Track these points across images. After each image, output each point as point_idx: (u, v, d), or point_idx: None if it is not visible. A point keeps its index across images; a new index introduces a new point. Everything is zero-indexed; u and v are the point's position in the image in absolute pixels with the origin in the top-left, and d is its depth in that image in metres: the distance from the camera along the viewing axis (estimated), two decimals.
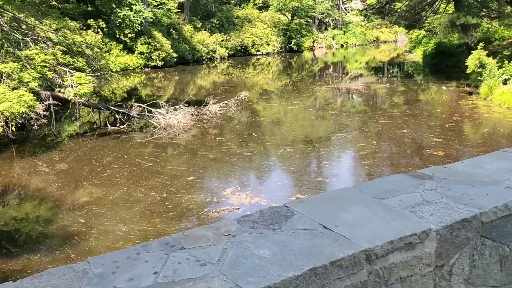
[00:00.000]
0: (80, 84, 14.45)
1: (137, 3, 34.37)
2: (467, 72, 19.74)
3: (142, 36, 35.20)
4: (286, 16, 46.76)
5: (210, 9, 45.77)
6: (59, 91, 13.96)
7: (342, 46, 49.74)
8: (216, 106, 18.54)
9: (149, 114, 17.01)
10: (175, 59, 36.70)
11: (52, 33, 15.41)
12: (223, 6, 46.60)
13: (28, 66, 13.23)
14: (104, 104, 17.78)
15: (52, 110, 14.84)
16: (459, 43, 27.09)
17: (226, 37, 42.83)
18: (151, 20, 36.38)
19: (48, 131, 15.19)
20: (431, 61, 29.70)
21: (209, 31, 42.20)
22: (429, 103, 20.15)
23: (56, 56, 14.57)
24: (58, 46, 14.89)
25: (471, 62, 19.46)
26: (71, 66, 16.58)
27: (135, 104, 17.50)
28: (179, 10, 42.68)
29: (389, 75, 31.29)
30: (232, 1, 49.07)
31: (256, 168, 12.01)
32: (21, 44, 13.67)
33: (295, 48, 45.61)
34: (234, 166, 12.16)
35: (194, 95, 22.48)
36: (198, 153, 13.53)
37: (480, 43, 19.70)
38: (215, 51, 41.85)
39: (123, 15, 34.18)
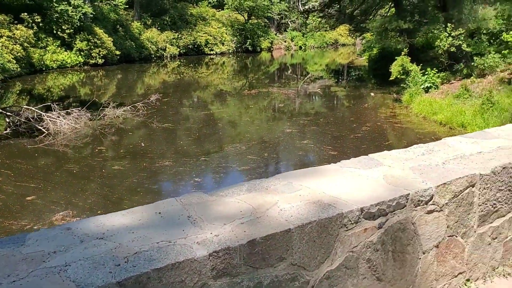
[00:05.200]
0: None
1: None
2: (390, 78, 18.82)
3: (81, 32, 33.62)
4: (243, 16, 45.55)
5: (164, 6, 44.27)
6: None
7: (300, 48, 48.74)
8: (120, 110, 17.28)
9: (39, 118, 15.62)
10: (118, 57, 35.23)
11: None
12: (178, 3, 45.16)
13: None
14: None
15: None
16: (401, 48, 26.26)
17: (178, 35, 41.45)
18: (92, 15, 34.76)
19: None
20: (374, 65, 28.90)
21: (159, 28, 40.76)
22: (348, 110, 19.19)
23: None
24: None
25: (395, 68, 18.56)
26: None
27: (24, 106, 16.05)
28: (128, 7, 41.07)
29: (328, 79, 30.42)
30: None
31: (113, 186, 10.75)
32: None
33: (250, 48, 44.42)
34: (91, 183, 10.88)
35: (138, 95, 21.35)
36: (64, 165, 12.20)
37: (405, 49, 18.79)
38: (165, 49, 40.47)
39: (60, 9, 32.50)
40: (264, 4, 43.59)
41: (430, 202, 2.37)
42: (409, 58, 18.55)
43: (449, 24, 17.74)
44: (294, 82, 30.11)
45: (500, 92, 14.94)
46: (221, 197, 2.17)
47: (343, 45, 50.78)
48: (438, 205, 2.41)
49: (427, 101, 16.55)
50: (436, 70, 17.95)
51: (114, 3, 39.36)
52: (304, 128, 15.84)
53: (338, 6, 29.05)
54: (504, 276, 2.79)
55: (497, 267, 2.82)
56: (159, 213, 1.99)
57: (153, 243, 1.72)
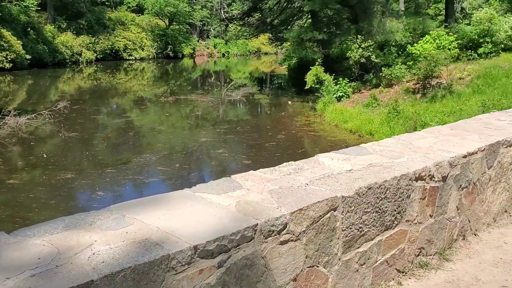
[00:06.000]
0: None
1: None
2: (305, 87, 19.12)
3: None
4: (164, 21, 44.62)
5: (80, 9, 42.20)
6: None
7: (223, 55, 48.67)
8: (24, 118, 16.05)
9: None
10: (29, 61, 33.07)
11: None
12: (95, 7, 43.33)
13: None
14: None
15: None
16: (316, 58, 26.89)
17: (95, 40, 39.72)
18: None
19: None
20: (294, 74, 29.37)
21: (74, 32, 38.79)
22: (265, 118, 19.26)
23: None
24: None
25: (309, 77, 18.87)
26: None
27: None
28: (40, 9, 38.64)
29: (251, 87, 30.54)
30: (107, 3, 45.87)
31: (5, 202, 9.79)
32: None
33: (171, 54, 43.61)
34: None
35: (52, 102, 19.88)
36: None
37: (318, 59, 19.19)
38: (80, 54, 38.59)
39: None
40: (185, 10, 43.04)
41: (284, 231, 2.13)
42: (323, 68, 18.95)
43: (359, 36, 18.36)
44: (217, 89, 29.86)
45: (405, 101, 15.63)
46: (27, 237, 1.77)
47: (266, 53, 51.45)
48: (294, 234, 2.18)
49: (339, 109, 16.95)
50: (348, 80, 18.49)
51: (24, 4, 36.86)
52: (220, 137, 15.58)
53: (260, 15, 29.27)
54: None
55: None
56: None
57: None
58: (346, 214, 2.45)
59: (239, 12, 28.15)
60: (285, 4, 25.73)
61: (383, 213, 2.68)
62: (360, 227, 2.55)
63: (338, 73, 20.24)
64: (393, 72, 17.13)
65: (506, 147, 3.69)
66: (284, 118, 19.06)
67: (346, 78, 18.46)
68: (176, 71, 40.09)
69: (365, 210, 2.57)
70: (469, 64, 17.26)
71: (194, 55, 46.71)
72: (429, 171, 2.96)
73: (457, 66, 16.94)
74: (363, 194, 2.53)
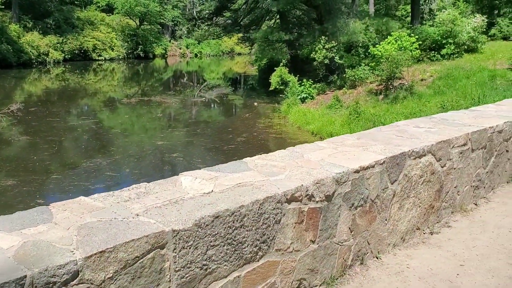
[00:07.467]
0: None
1: None
2: (270, 89, 18.74)
3: None
4: (134, 21, 43.77)
5: (47, 8, 41.08)
6: None
7: (196, 55, 48.05)
8: None
9: None
10: None
11: None
12: (64, 6, 42.23)
13: None
14: None
15: None
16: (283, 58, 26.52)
17: (63, 40, 38.69)
18: None
19: None
20: (263, 75, 28.97)
21: (41, 32, 37.70)
22: (228, 120, 18.83)
23: None
24: None
25: (274, 79, 18.50)
26: None
27: None
28: (4, 7, 37.42)
29: (225, 88, 30.07)
30: (76, 2, 44.77)
31: None
32: None
33: (142, 55, 42.81)
34: None
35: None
36: None
37: (283, 60, 18.82)
38: (47, 54, 37.53)
39: None
40: (156, 10, 42.27)
41: (75, 282, 1.69)
42: (291, 69, 18.59)
43: (322, 37, 18.05)
44: (190, 90, 29.30)
45: (367, 103, 15.37)
46: None
47: (239, 54, 51.00)
48: (92, 283, 1.74)
49: (302, 111, 16.62)
50: (312, 81, 18.17)
51: None
52: (178, 140, 15.08)
53: (231, 15, 28.76)
54: None
55: None
56: None
57: None
58: (180, 251, 2.01)
59: (207, 12, 27.64)
60: (252, 4, 25.33)
61: (240, 244, 2.26)
62: (205, 265, 2.12)
63: (307, 74, 19.91)
64: (357, 73, 16.88)
65: (414, 159, 3.31)
66: (247, 119, 18.65)
67: (310, 80, 18.15)
68: (147, 71, 39.35)
69: (212, 244, 2.14)
70: (432, 65, 17.11)
71: (166, 56, 45.98)
72: (307, 191, 2.55)
73: (420, 67, 16.77)
74: (207, 225, 2.10)
